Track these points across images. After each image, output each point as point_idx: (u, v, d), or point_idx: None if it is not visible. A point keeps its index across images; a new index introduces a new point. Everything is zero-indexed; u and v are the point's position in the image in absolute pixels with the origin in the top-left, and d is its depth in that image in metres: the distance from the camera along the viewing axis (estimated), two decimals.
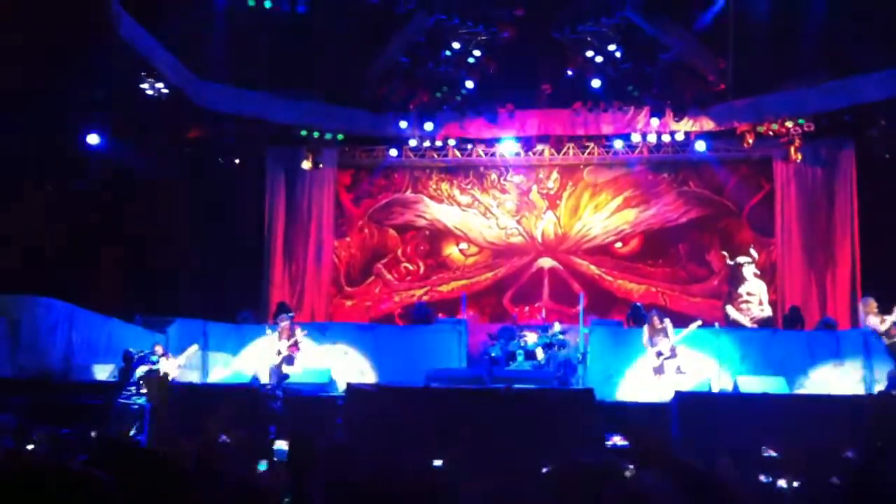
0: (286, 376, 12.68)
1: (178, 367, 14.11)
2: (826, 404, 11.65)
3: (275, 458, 6.51)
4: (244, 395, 12.53)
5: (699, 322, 13.93)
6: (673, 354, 13.53)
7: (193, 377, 14.69)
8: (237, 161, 19.05)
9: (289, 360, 14.43)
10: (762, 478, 5.68)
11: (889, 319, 12.74)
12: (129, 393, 11.43)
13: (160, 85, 16.11)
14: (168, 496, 2.22)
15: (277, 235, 19.51)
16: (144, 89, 16.07)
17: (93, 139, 15.42)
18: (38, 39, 12.94)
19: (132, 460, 2.23)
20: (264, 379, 13.99)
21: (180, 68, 16.39)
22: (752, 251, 18.03)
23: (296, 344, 14.54)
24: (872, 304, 13.02)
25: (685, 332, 13.64)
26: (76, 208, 15.22)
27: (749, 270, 17.60)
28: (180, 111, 16.85)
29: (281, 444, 6.83)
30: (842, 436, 9.77)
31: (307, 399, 12.72)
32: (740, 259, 17.88)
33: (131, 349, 12.10)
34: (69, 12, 13.22)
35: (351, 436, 11.60)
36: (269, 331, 14.75)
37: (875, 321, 12.82)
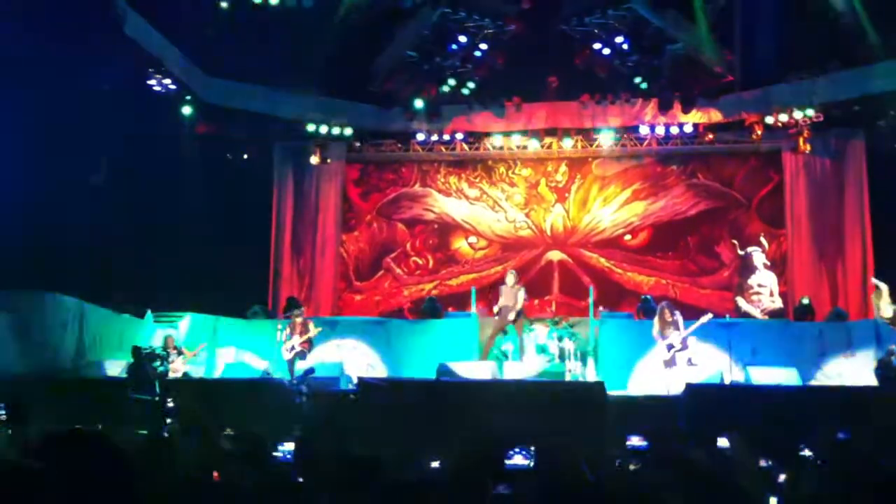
0: (312, 370, 12.66)
1: (188, 362, 14.19)
2: (838, 395, 11.65)
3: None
4: (272, 389, 12.49)
5: (710, 315, 13.88)
6: (684, 347, 13.47)
7: (199, 372, 14.72)
8: (245, 156, 19.07)
9: (301, 355, 14.46)
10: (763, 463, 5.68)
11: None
12: (140, 388, 11.43)
13: (167, 81, 16.14)
14: (112, 487, 2.18)
15: (286, 230, 19.54)
16: (152, 85, 16.11)
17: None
18: (45, 37, 12.96)
19: (80, 452, 2.18)
20: (277, 374, 14.02)
21: (187, 64, 16.42)
22: (763, 239, 18.00)
23: (308, 340, 14.57)
24: (886, 291, 12.94)
25: (696, 324, 13.60)
26: (86, 204, 15.25)
27: (759, 260, 17.55)
28: (188, 107, 16.89)
29: (287, 446, 6.71)
30: (854, 427, 9.74)
31: (321, 394, 12.70)
32: (750, 249, 17.84)
33: (140, 345, 12.12)
34: (76, 10, 13.24)
35: (363, 430, 11.63)
36: (280, 326, 14.78)
37: (886, 309, 12.73)
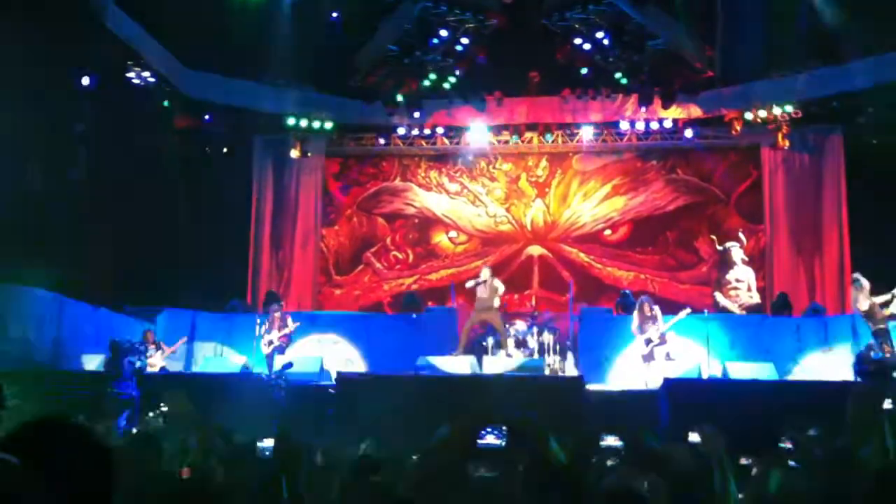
0: (289, 365, 12.64)
1: (167, 356, 14.14)
2: (815, 390, 11.74)
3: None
4: (250, 384, 12.46)
5: (688, 310, 13.97)
6: (662, 341, 13.57)
7: (177, 367, 14.68)
8: (225, 150, 18.98)
9: (280, 349, 14.44)
10: (743, 461, 5.72)
11: (872, 301, 12.74)
12: (119, 382, 11.37)
13: (147, 74, 16.05)
14: (93, 480, 2.15)
15: (265, 224, 19.48)
16: (131, 78, 16.02)
17: (80, 127, 15.34)
18: (24, 28, 12.84)
19: (55, 442, 2.15)
20: (256, 369, 13.99)
21: (167, 57, 16.34)
22: (741, 235, 18.11)
23: (287, 335, 14.56)
24: (867, 286, 13.01)
25: (674, 319, 13.68)
26: (64, 197, 15.13)
27: (738, 255, 17.65)
28: (168, 100, 16.80)
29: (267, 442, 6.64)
30: (830, 422, 9.82)
31: (299, 389, 12.69)
32: (729, 244, 17.94)
33: (118, 339, 12.04)
34: (56, 2, 13.14)
35: (341, 425, 11.63)
36: (258, 321, 14.76)
37: (864, 302, 12.79)
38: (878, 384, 10.99)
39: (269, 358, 14.24)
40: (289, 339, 14.65)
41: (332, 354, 15.39)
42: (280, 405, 11.49)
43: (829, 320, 15.46)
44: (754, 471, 5.46)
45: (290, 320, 14.66)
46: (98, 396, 10.99)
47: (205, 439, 5.48)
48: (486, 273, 14.84)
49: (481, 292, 14.69)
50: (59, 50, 13.55)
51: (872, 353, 11.62)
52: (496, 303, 14.62)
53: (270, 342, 14.47)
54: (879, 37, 15.01)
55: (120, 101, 15.79)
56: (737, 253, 17.81)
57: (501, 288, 14.83)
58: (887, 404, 9.67)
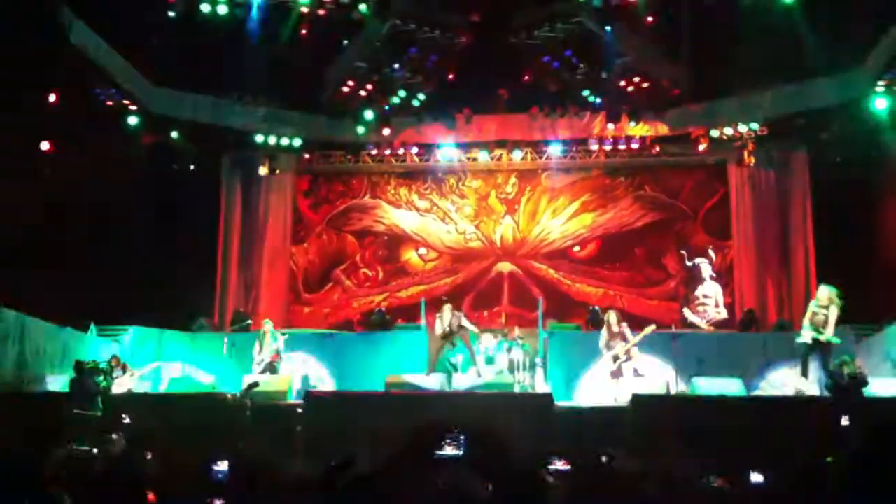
0: (255, 384, 12.51)
1: (135, 379, 13.97)
2: (782, 406, 11.81)
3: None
4: (217, 404, 12.31)
5: (653, 326, 14.03)
6: (628, 357, 13.61)
7: (145, 387, 14.50)
8: (192, 167, 18.84)
9: (271, 368, 14.34)
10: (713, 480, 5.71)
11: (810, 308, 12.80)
12: (83, 404, 11.21)
13: (113, 91, 15.93)
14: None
15: (233, 242, 19.37)
16: (97, 94, 15.89)
17: (45, 145, 15.17)
18: None
19: None
20: (223, 389, 13.86)
21: (134, 74, 16.23)
22: (711, 252, 18.23)
23: (277, 352, 14.47)
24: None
25: (640, 335, 13.73)
26: (28, 215, 14.94)
27: (707, 271, 17.79)
28: (134, 116, 16.67)
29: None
30: (798, 437, 9.89)
31: (266, 408, 12.57)
32: (698, 260, 18.06)
33: (82, 360, 11.90)
34: (21, 18, 13.02)
35: (310, 444, 11.54)
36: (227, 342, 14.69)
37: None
38: (844, 400, 11.07)
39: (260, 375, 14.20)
40: (279, 356, 14.56)
41: (300, 373, 15.29)
42: (246, 425, 11.37)
43: (797, 336, 15.53)
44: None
45: (278, 335, 14.60)
46: (60, 418, 10.82)
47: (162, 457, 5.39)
48: (446, 310, 14.65)
49: (441, 323, 14.55)
50: (24, 66, 13.42)
51: (846, 368, 11.65)
52: (439, 331, 14.45)
53: (261, 361, 14.38)
54: (842, 54, 15.19)
55: (86, 117, 15.66)
56: (706, 269, 17.94)
57: (463, 319, 14.60)
58: (844, 421, 9.74)
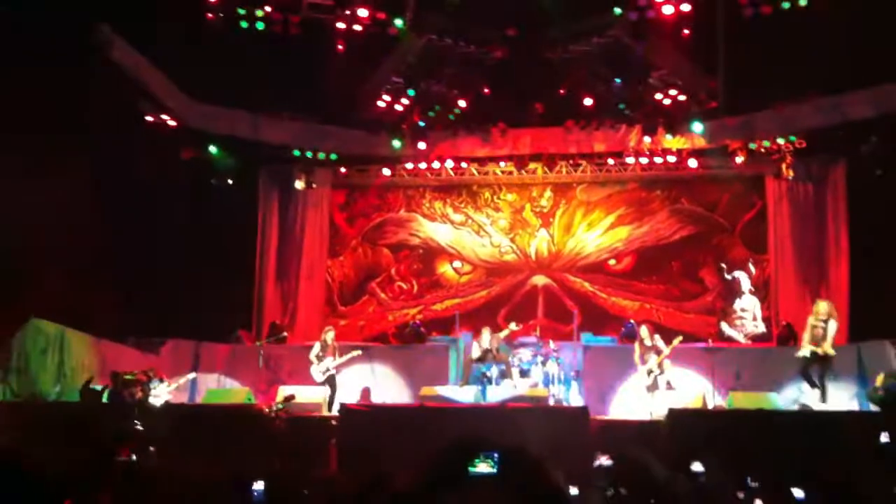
0: (292, 396, 12.60)
1: (172, 390, 14.11)
2: (819, 421, 11.68)
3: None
4: (252, 417, 12.40)
5: (680, 337, 14.10)
6: (662, 371, 13.59)
7: (181, 399, 14.66)
8: (230, 181, 19.02)
9: (332, 380, 14.43)
10: (740, 495, 5.67)
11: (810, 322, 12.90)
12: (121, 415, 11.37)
13: (153, 106, 16.16)
14: None
15: (270, 255, 19.54)
16: (137, 111, 16.11)
17: (84, 161, 15.40)
18: (32, 62, 12.96)
19: None
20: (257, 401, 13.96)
21: (173, 90, 16.45)
22: (751, 265, 18.09)
23: (342, 364, 14.58)
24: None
25: (669, 348, 13.73)
26: (68, 229, 15.18)
27: (746, 284, 17.67)
28: (174, 132, 16.89)
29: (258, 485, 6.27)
30: (833, 450, 9.78)
31: (301, 420, 12.65)
32: (737, 273, 17.94)
33: (119, 371, 12.07)
34: (62, 36, 13.27)
35: (344, 457, 11.60)
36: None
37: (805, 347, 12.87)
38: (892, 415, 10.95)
39: (327, 384, 14.30)
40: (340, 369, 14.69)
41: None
42: (280, 438, 11.45)
43: (834, 350, 15.37)
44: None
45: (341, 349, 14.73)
46: (98, 429, 10.96)
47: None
48: (484, 332, 14.74)
49: (475, 352, 14.64)
50: (64, 83, 13.65)
51: (891, 382, 11.59)
52: (476, 354, 14.55)
53: (326, 369, 14.44)
54: (882, 65, 15.04)
55: (125, 132, 15.89)
56: (745, 282, 17.81)
57: (488, 341, 14.67)
58: (884, 437, 9.63)
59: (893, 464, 9.22)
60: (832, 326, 12.62)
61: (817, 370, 12.64)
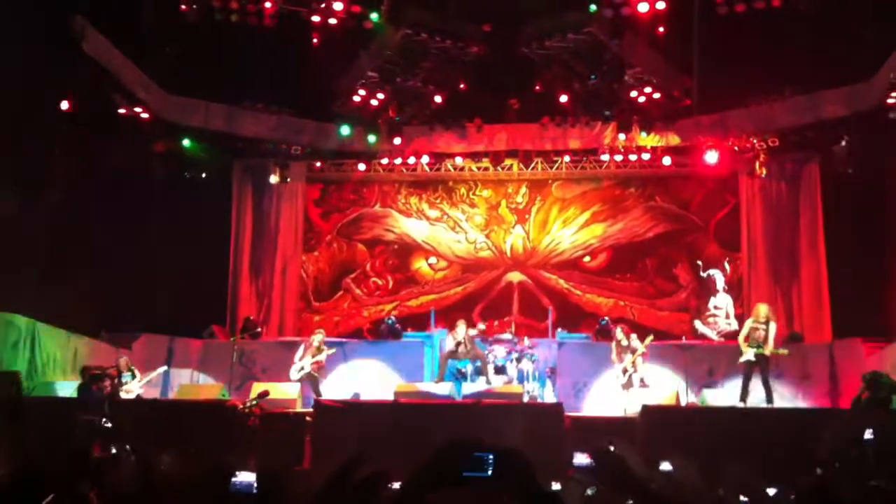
0: (266, 393, 12.52)
1: (143, 384, 13.99)
2: (795, 418, 11.76)
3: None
4: (225, 412, 12.29)
5: (651, 336, 14.22)
6: (635, 369, 13.69)
7: (153, 394, 14.53)
8: (204, 175, 18.87)
9: (311, 377, 14.31)
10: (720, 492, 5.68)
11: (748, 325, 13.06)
12: (91, 409, 11.24)
13: (125, 99, 15.99)
14: None
15: (245, 250, 19.42)
16: (110, 103, 15.94)
17: (57, 153, 15.25)
18: (2, 52, 12.79)
19: None
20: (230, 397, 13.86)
21: (146, 81, 16.30)
22: (726, 265, 18.21)
23: (319, 362, 14.45)
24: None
25: (642, 346, 13.81)
26: (40, 222, 15.01)
27: (720, 282, 17.78)
28: (146, 124, 16.74)
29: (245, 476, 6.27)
30: (807, 448, 9.85)
31: (275, 417, 12.58)
32: (712, 271, 18.04)
33: (92, 366, 11.93)
34: (34, 27, 13.11)
35: (319, 453, 11.54)
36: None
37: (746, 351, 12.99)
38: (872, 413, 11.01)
39: (306, 383, 14.20)
40: (319, 367, 14.54)
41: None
42: (254, 434, 11.37)
43: (808, 348, 15.52)
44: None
45: (324, 348, 14.56)
46: (68, 424, 10.84)
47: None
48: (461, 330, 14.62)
49: (449, 343, 14.56)
50: (37, 73, 13.50)
51: (883, 378, 11.64)
52: (450, 346, 14.47)
53: (301, 368, 14.37)
54: (855, 64, 15.16)
55: (98, 124, 15.73)
56: (719, 280, 17.93)
57: (462, 335, 14.57)
58: (868, 434, 9.70)
59: (874, 459, 9.30)
60: (773, 328, 12.86)
61: (759, 372, 12.81)
